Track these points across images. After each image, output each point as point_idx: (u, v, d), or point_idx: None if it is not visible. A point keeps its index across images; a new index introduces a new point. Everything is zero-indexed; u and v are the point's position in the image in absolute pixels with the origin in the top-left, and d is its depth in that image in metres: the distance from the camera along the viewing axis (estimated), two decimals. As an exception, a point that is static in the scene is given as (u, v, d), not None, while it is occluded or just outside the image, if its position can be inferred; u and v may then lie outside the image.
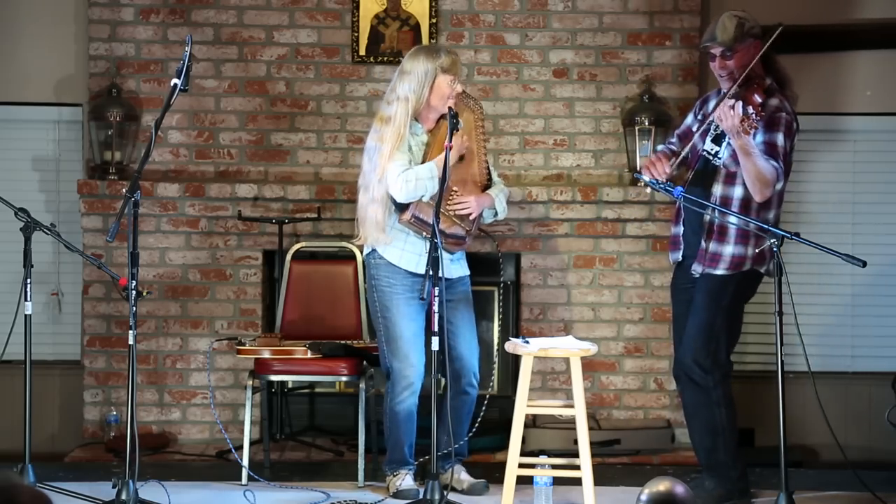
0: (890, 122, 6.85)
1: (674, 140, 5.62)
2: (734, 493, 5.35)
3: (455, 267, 5.58)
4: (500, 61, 6.75)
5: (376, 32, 6.70)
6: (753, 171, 5.11)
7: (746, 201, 5.24)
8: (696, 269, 5.35)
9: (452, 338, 5.53)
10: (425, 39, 6.62)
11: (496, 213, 5.69)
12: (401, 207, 5.47)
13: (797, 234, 5.07)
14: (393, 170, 5.42)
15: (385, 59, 6.69)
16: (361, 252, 6.14)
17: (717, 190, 5.30)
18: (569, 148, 6.76)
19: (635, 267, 6.62)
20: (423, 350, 5.51)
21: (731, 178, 5.27)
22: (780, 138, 5.21)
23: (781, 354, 4.91)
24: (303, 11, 6.74)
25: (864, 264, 5.01)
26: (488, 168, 5.70)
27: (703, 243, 5.32)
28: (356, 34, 6.71)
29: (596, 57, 6.74)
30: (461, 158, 5.56)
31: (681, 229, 5.46)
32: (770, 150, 5.18)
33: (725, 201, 5.27)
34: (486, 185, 5.67)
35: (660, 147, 5.76)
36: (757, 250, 5.25)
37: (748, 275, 5.33)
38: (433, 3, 6.70)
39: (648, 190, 5.87)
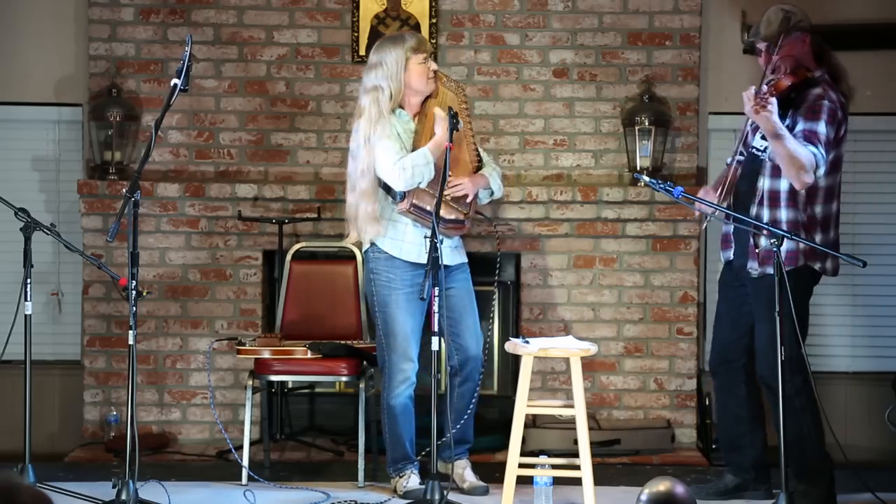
0: (890, 122, 6.85)
1: (738, 147, 5.46)
2: (823, 499, 5.28)
3: (454, 254, 5.57)
4: (500, 61, 6.75)
5: (376, 32, 6.70)
6: (785, 153, 5.04)
7: (795, 193, 5.18)
8: (753, 266, 5.26)
9: (455, 325, 5.53)
10: (425, 39, 6.62)
11: (492, 193, 5.68)
12: (398, 197, 5.46)
13: (797, 234, 5.06)
14: (387, 158, 5.40)
15: (385, 59, 6.68)
16: (362, 251, 6.16)
17: (765, 184, 5.24)
18: (569, 148, 6.76)
19: (635, 267, 6.62)
20: (420, 345, 5.52)
21: (778, 171, 5.19)
22: (820, 125, 5.13)
23: (782, 354, 4.90)
24: (303, 11, 6.74)
25: (864, 264, 4.99)
26: (477, 149, 5.69)
27: (751, 240, 5.28)
28: (356, 34, 6.71)
29: (596, 57, 6.75)
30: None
31: (731, 227, 5.43)
32: (809, 136, 5.11)
33: (773, 195, 5.22)
34: (478, 167, 5.66)
35: (728, 160, 5.58)
36: (812, 244, 5.14)
37: (801, 271, 5.22)
38: (433, 3, 6.70)
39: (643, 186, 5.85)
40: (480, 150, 5.73)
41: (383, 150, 5.41)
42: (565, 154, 6.76)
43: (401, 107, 5.53)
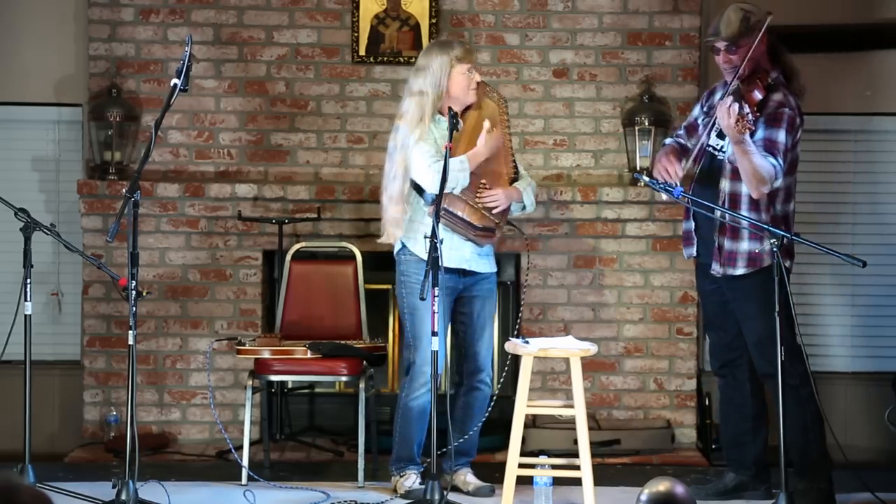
0: (890, 122, 6.85)
1: (681, 132, 5.59)
2: (822, 498, 5.27)
3: (483, 262, 5.58)
4: (500, 61, 6.75)
5: (376, 32, 6.70)
6: (750, 169, 5.08)
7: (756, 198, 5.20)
8: (716, 268, 5.30)
9: (471, 334, 5.55)
10: (425, 40, 6.62)
11: (524, 207, 5.68)
12: (428, 201, 5.45)
13: (797, 234, 5.06)
14: (422, 159, 5.41)
15: (385, 59, 6.69)
16: (362, 252, 6.18)
17: (726, 186, 5.26)
18: (569, 148, 6.76)
19: (635, 267, 6.62)
20: (446, 349, 5.53)
21: (738, 174, 5.20)
22: (780, 135, 5.17)
23: (782, 354, 4.90)
24: (303, 11, 6.74)
25: (864, 264, 5.00)
26: (514, 162, 5.69)
27: (716, 239, 5.30)
28: (356, 34, 6.71)
29: (596, 57, 6.75)
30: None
31: (692, 224, 5.43)
32: (770, 146, 5.15)
33: (734, 197, 5.23)
34: (514, 178, 5.66)
35: (668, 140, 5.68)
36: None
37: (771, 270, 5.21)
38: (433, 3, 6.70)
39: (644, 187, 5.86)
40: (518, 163, 5.72)
41: (419, 152, 5.42)
42: (565, 154, 6.76)
43: (441, 114, 5.52)
